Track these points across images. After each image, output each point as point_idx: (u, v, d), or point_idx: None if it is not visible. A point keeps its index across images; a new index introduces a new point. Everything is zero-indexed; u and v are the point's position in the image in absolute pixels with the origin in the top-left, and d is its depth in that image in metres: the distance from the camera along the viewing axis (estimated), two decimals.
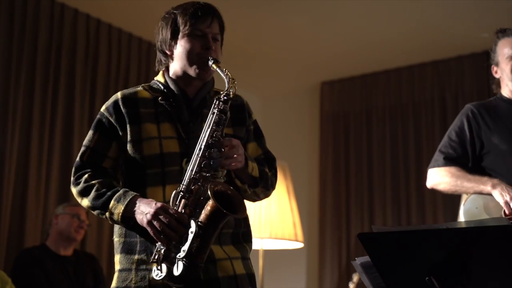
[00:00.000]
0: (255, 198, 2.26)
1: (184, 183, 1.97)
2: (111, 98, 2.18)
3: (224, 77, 2.07)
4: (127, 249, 2.06)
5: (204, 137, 2.00)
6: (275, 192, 4.42)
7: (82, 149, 2.14)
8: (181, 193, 1.96)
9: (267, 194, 2.28)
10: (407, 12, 4.90)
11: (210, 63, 2.09)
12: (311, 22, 5.08)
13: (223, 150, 1.99)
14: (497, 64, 2.90)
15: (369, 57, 5.65)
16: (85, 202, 2.07)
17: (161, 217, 1.91)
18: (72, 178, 2.12)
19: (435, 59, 5.62)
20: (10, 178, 4.29)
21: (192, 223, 1.91)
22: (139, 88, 2.21)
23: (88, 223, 4.24)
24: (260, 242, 4.42)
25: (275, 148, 7.16)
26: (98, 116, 2.16)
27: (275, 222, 4.34)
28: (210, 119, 2.02)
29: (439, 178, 2.87)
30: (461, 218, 2.86)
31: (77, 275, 4.05)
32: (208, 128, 2.01)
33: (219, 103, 2.04)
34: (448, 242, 1.72)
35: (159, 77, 2.22)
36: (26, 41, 4.52)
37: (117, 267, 2.09)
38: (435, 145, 5.53)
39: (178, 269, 1.89)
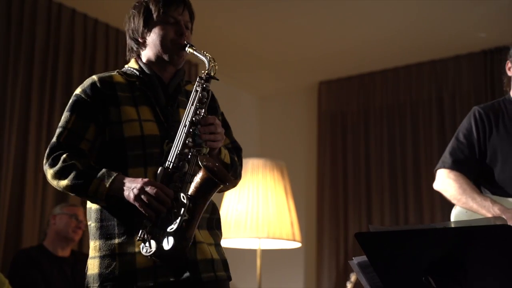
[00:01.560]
0: (223, 188, 2.21)
1: (171, 159, 2.00)
2: (86, 81, 2.16)
3: (204, 58, 2.10)
4: (106, 234, 2.04)
5: (189, 114, 2.03)
6: (273, 191, 4.45)
7: (59, 130, 2.09)
8: (168, 169, 1.99)
9: (234, 184, 2.29)
10: (405, 12, 4.91)
11: (187, 48, 2.13)
12: (309, 22, 5.08)
13: (206, 126, 2.02)
14: None
15: (367, 56, 5.65)
16: (63, 182, 2.01)
17: (148, 190, 1.92)
18: (46, 159, 2.06)
19: (433, 58, 5.63)
20: (7, 178, 4.29)
21: (182, 197, 1.93)
22: (114, 73, 2.19)
23: (85, 223, 4.23)
24: (258, 242, 4.43)
25: (273, 147, 7.14)
26: (73, 97, 2.13)
27: (273, 222, 4.35)
28: (194, 97, 2.06)
29: (446, 185, 2.84)
30: (452, 220, 2.87)
31: (74, 276, 4.04)
32: (192, 105, 2.04)
33: (201, 81, 2.07)
34: (445, 242, 1.72)
35: (132, 64, 2.22)
36: (24, 41, 4.51)
37: (96, 253, 2.05)
38: (432, 144, 5.58)
39: (168, 243, 1.89)
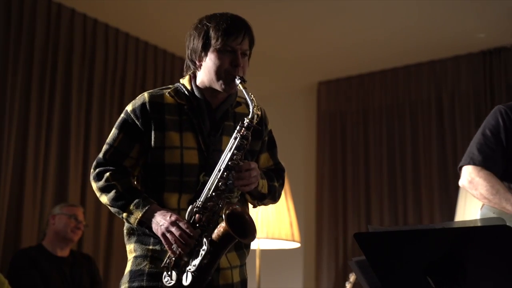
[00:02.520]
0: (262, 205, 2.39)
1: (201, 200, 2.08)
2: (138, 99, 2.24)
3: (250, 102, 2.13)
4: (141, 240, 2.18)
5: (225, 160, 2.09)
6: None
7: (106, 147, 2.22)
8: (196, 208, 2.07)
9: (273, 203, 2.41)
10: (404, 12, 4.91)
11: (237, 82, 2.16)
12: (308, 22, 5.08)
13: (240, 173, 2.09)
14: None
15: (366, 57, 5.66)
16: (104, 199, 2.18)
17: (173, 230, 2.03)
18: (92, 172, 2.22)
19: (432, 59, 5.63)
20: (6, 178, 4.29)
21: (205, 241, 2.03)
22: (165, 92, 2.26)
23: (85, 223, 4.23)
24: (257, 242, 4.42)
25: None
26: (123, 115, 2.23)
27: (272, 222, 4.35)
28: (232, 144, 2.10)
29: (476, 184, 2.74)
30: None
31: (73, 276, 4.04)
32: (229, 151, 2.10)
33: (242, 129, 2.11)
34: (443, 242, 1.73)
35: (186, 82, 2.27)
36: (23, 41, 4.51)
37: (132, 254, 2.19)
38: (431, 144, 5.58)
39: (187, 280, 2.03)
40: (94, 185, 2.21)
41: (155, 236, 2.12)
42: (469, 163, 2.78)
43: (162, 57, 5.52)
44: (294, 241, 4.47)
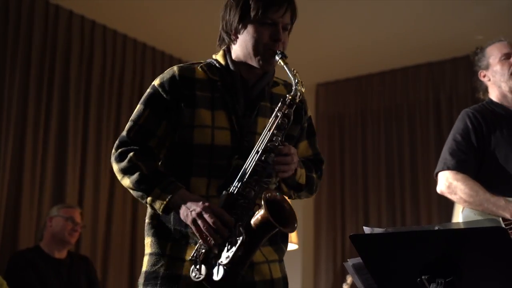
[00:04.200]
0: (296, 199, 2.18)
1: (237, 185, 1.87)
2: (166, 73, 2.03)
3: (292, 78, 1.97)
4: (160, 234, 1.97)
5: (264, 140, 1.88)
6: None
7: (130, 124, 2.00)
8: (231, 194, 1.86)
9: (309, 196, 2.20)
10: (403, 14, 4.91)
11: (278, 58, 1.99)
12: (307, 24, 5.08)
13: (280, 156, 1.89)
14: (486, 68, 2.92)
15: (364, 59, 5.66)
16: (126, 181, 1.94)
17: (206, 216, 1.81)
18: (114, 152, 1.98)
19: (430, 60, 5.64)
20: (4, 179, 4.29)
21: (241, 230, 1.82)
22: (197, 66, 2.05)
23: (82, 225, 4.22)
24: None
25: None
26: (150, 90, 2.02)
27: None
28: (272, 122, 1.90)
29: (454, 188, 2.75)
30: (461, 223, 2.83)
31: (71, 278, 4.03)
32: (269, 131, 1.89)
33: (283, 106, 1.91)
34: (439, 243, 1.73)
35: (219, 57, 2.07)
36: (21, 43, 4.51)
37: (148, 250, 1.99)
38: (429, 145, 5.59)
39: (218, 275, 1.81)
40: (116, 167, 1.96)
41: (175, 227, 1.92)
42: (443, 169, 2.80)
43: (160, 59, 5.51)
44: (292, 242, 4.47)
